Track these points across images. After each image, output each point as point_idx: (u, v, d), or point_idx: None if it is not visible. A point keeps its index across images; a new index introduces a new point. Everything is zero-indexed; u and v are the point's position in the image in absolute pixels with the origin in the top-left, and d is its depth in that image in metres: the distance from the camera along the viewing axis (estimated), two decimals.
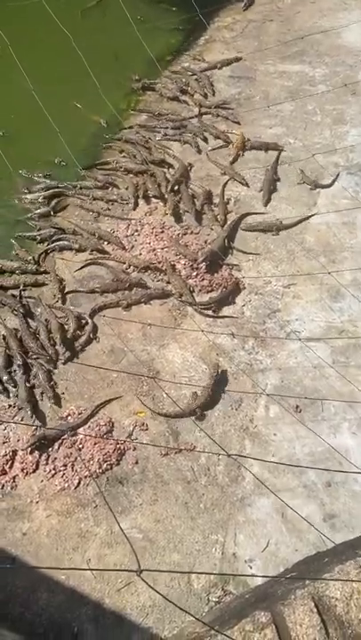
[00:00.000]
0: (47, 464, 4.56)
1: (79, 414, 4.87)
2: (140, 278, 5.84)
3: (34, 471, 4.53)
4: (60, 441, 4.68)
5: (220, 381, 5.09)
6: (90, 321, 5.47)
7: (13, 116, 7.59)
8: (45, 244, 6.23)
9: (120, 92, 8.40)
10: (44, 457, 4.59)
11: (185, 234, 6.34)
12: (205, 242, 6.25)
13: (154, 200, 6.68)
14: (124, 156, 7.21)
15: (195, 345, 5.42)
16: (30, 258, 5.97)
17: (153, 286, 5.84)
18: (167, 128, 7.50)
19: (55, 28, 8.41)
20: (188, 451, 4.68)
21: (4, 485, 4.45)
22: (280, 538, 4.26)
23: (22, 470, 4.52)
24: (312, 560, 3.71)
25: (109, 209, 6.63)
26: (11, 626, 3.70)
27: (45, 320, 5.46)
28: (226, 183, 6.88)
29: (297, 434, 4.81)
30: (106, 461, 4.56)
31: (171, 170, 6.97)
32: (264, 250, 6.22)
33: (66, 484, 4.45)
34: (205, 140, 7.41)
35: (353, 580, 2.82)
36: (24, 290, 5.75)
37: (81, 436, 4.69)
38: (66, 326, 5.44)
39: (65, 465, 4.55)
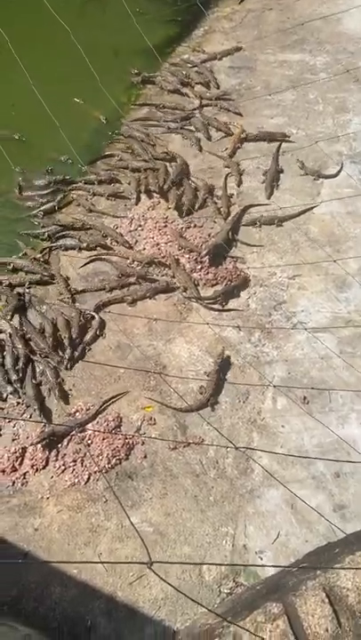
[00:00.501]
0: (57, 460, 4.59)
1: (87, 410, 4.89)
2: (145, 272, 5.82)
3: (44, 467, 4.57)
4: (68, 437, 4.69)
5: (224, 366, 5.09)
6: (96, 317, 5.46)
7: (14, 113, 7.55)
8: (50, 241, 6.22)
9: (120, 85, 8.34)
10: (53, 453, 4.62)
11: (188, 227, 6.32)
12: (209, 235, 6.23)
13: (156, 195, 6.65)
14: (124, 151, 7.16)
15: (201, 339, 5.41)
16: (39, 256, 5.93)
17: (158, 280, 5.83)
18: (169, 121, 7.43)
19: (53, 23, 8.38)
20: (196, 444, 4.69)
21: (14, 482, 4.49)
22: (290, 529, 4.27)
23: (32, 467, 4.55)
24: (323, 551, 3.72)
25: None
26: (25, 620, 3.74)
27: (52, 318, 5.47)
28: (227, 176, 6.83)
29: (305, 425, 4.81)
30: (115, 456, 4.58)
31: (172, 164, 6.92)
32: (268, 241, 6.20)
33: (76, 480, 4.48)
34: (208, 133, 7.32)
35: None
36: (29, 288, 5.74)
37: (90, 432, 4.71)
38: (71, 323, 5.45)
39: (74, 461, 4.57)
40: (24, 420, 4.78)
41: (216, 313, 5.60)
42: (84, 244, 6.08)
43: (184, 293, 5.75)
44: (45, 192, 6.69)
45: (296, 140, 7.23)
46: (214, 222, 6.40)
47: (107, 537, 4.22)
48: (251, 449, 4.48)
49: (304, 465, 4.56)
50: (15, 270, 5.87)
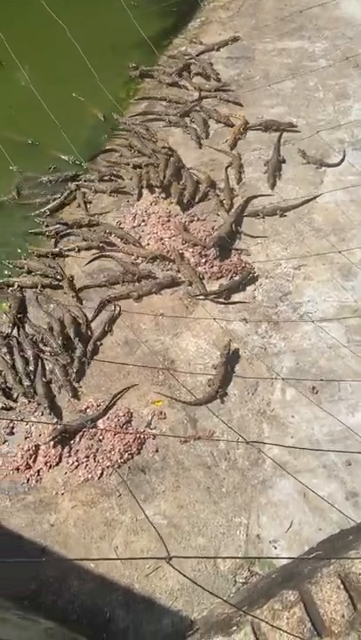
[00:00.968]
0: (70, 456, 4.66)
1: (97, 406, 4.95)
2: (148, 271, 5.84)
3: (57, 464, 4.64)
4: (80, 433, 4.76)
5: (231, 358, 5.13)
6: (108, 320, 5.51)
7: (14, 112, 7.56)
8: (55, 239, 6.27)
9: (118, 80, 8.33)
10: (66, 450, 4.69)
11: (191, 221, 6.33)
12: (212, 228, 6.24)
13: (158, 189, 6.65)
14: (124, 146, 7.16)
15: (208, 332, 5.45)
16: (52, 262, 5.98)
17: (162, 275, 5.86)
18: (170, 115, 7.42)
19: (48, 20, 8.39)
20: (206, 438, 4.74)
21: (29, 479, 4.57)
22: (303, 518, 4.32)
23: (46, 464, 4.62)
24: (336, 538, 3.77)
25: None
26: (45, 614, 3.82)
27: (59, 317, 5.52)
28: (227, 168, 6.82)
29: (315, 415, 4.85)
30: (127, 451, 4.65)
31: (172, 158, 6.90)
32: (272, 232, 6.20)
33: (89, 475, 4.55)
34: (207, 131, 7.27)
35: None
36: (41, 291, 5.77)
37: (101, 428, 4.77)
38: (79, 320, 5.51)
39: (87, 456, 4.64)
40: (36, 422, 4.84)
41: (222, 306, 5.62)
42: (89, 243, 6.09)
43: (190, 288, 5.78)
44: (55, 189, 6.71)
45: (297, 128, 7.21)
46: (217, 215, 6.41)
47: (122, 530, 4.29)
48: (260, 443, 4.51)
49: (315, 454, 4.60)
50: (29, 272, 5.90)
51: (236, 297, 5.68)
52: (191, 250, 6.02)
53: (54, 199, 6.63)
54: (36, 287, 5.77)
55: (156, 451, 4.70)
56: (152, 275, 5.83)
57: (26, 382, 5.03)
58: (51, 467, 4.62)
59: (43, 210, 6.52)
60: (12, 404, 5.01)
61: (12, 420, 4.81)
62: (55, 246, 6.27)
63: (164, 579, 4.08)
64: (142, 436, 4.74)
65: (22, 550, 4.22)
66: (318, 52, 8.31)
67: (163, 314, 5.61)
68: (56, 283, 5.79)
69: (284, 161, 6.87)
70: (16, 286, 5.73)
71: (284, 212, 6.32)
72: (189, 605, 3.96)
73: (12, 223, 6.51)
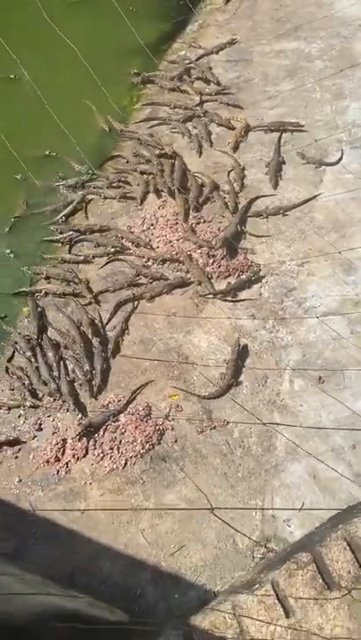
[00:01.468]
0: (95, 448, 5.09)
1: (118, 402, 5.38)
2: (160, 274, 6.25)
3: (84, 456, 5.07)
4: (104, 427, 5.19)
5: (242, 353, 5.54)
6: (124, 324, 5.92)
7: (23, 124, 7.96)
8: (69, 246, 6.69)
9: (120, 87, 8.70)
10: (91, 442, 5.12)
11: (198, 223, 6.73)
12: (218, 229, 6.64)
13: (164, 194, 7.04)
14: (132, 154, 7.54)
15: (218, 329, 5.86)
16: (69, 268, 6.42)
17: (173, 276, 6.27)
18: (173, 121, 7.81)
19: (46, 30, 8.77)
20: (221, 426, 5.16)
21: (58, 471, 5.00)
22: (314, 498, 4.74)
23: (73, 456, 5.06)
24: (344, 513, 4.18)
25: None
26: (81, 592, 4.25)
27: (77, 320, 5.95)
28: (230, 172, 7.21)
29: (322, 403, 5.26)
30: (148, 442, 5.08)
31: (176, 163, 7.28)
32: (276, 231, 6.60)
33: (114, 465, 4.98)
34: (210, 139, 7.60)
35: None
36: (61, 295, 6.19)
37: (123, 421, 5.20)
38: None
39: (111, 448, 5.08)
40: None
41: (231, 303, 6.03)
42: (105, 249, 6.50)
43: (199, 288, 6.19)
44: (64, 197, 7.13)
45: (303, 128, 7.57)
46: (222, 217, 6.80)
47: (147, 515, 4.72)
48: (275, 424, 4.92)
49: (323, 439, 5.02)
50: (47, 278, 6.31)
51: (243, 294, 6.09)
52: (199, 251, 6.43)
53: (65, 206, 7.04)
54: (62, 294, 6.17)
55: (175, 441, 5.13)
56: (163, 276, 6.24)
57: (52, 385, 5.45)
58: (78, 459, 5.06)
59: (58, 217, 6.93)
60: (38, 402, 5.45)
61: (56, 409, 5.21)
62: (69, 252, 6.70)
63: (188, 556, 4.51)
64: (162, 428, 5.17)
65: (57, 536, 4.66)
66: (315, 53, 8.66)
67: (175, 313, 6.03)
68: (74, 288, 6.20)
69: (284, 162, 7.26)
70: (43, 293, 6.15)
71: (285, 211, 6.72)
72: (212, 579, 4.39)
73: (26, 232, 6.93)
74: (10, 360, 5.80)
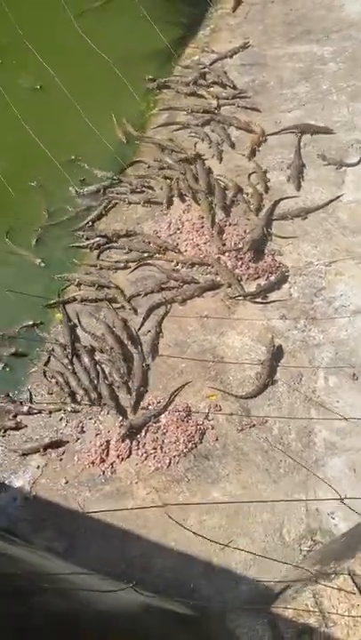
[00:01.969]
0: (138, 449, 5.30)
1: (158, 403, 5.60)
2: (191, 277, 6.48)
3: (128, 456, 5.29)
4: (145, 428, 5.41)
5: (277, 354, 5.78)
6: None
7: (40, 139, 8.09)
8: (98, 252, 6.92)
9: (137, 93, 8.94)
10: (134, 443, 5.33)
11: (224, 226, 6.96)
12: (245, 232, 6.88)
13: (187, 198, 7.27)
14: (155, 159, 7.78)
15: (251, 329, 6.09)
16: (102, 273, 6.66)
17: (203, 279, 6.50)
18: (192, 125, 8.06)
19: (58, 37, 9.04)
20: (260, 424, 5.39)
21: (104, 471, 5.22)
22: (356, 492, 4.95)
23: (118, 457, 5.27)
24: None
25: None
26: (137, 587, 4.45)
27: (112, 322, 6.18)
28: (250, 175, 7.46)
29: (357, 399, 5.49)
30: (190, 441, 5.30)
31: (198, 166, 7.52)
32: (301, 232, 6.84)
33: (158, 465, 5.20)
34: (231, 140, 7.84)
35: None
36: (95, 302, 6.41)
37: (164, 422, 5.42)
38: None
39: (154, 448, 5.29)
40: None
41: (262, 304, 6.26)
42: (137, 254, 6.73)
43: (229, 290, 6.42)
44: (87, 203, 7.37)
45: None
46: (248, 220, 7.05)
47: (195, 511, 4.93)
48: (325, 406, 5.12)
49: (360, 433, 5.24)
50: (79, 285, 6.54)
51: (273, 295, 6.32)
52: (227, 254, 6.66)
53: (89, 212, 7.27)
54: (94, 300, 6.39)
55: (217, 439, 5.35)
56: (194, 279, 6.47)
57: (92, 394, 5.66)
58: (123, 459, 5.27)
59: (83, 223, 7.15)
60: (78, 407, 5.65)
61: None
62: (97, 258, 6.92)
63: (238, 551, 4.72)
64: (202, 427, 5.39)
65: (107, 535, 4.86)
66: (328, 56, 8.94)
67: (207, 315, 6.26)
68: (106, 293, 6.43)
69: (304, 164, 7.50)
70: (79, 299, 6.37)
71: (307, 213, 6.96)
72: (263, 573, 4.61)
73: (53, 239, 7.15)
74: (46, 364, 6.01)
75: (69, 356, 5.94)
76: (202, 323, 6.22)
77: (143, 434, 5.40)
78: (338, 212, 6.94)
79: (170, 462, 5.22)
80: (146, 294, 6.47)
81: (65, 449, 5.43)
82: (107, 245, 6.95)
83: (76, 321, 6.33)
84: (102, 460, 5.27)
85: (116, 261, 6.74)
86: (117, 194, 7.51)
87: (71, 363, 5.94)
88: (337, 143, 7.67)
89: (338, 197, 7.05)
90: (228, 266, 6.56)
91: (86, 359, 5.91)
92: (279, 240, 6.79)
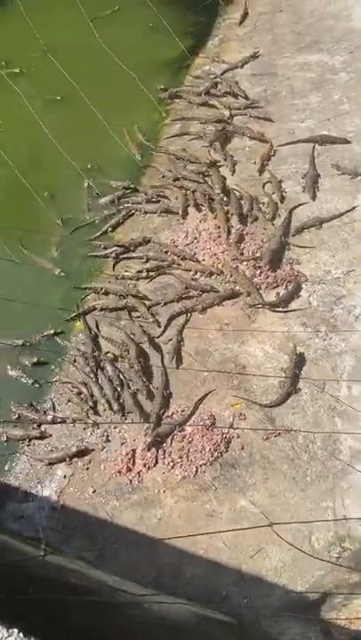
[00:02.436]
0: (165, 457, 5.41)
1: (182, 412, 5.71)
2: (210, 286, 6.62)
3: (154, 465, 5.40)
4: (171, 436, 5.52)
5: (299, 362, 5.91)
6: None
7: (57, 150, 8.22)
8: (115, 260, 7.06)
9: (149, 103, 9.10)
10: (160, 452, 5.44)
11: (241, 235, 7.11)
12: (262, 241, 7.04)
13: (203, 208, 7.43)
14: (170, 169, 7.94)
15: (272, 338, 6.24)
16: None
17: (223, 288, 6.64)
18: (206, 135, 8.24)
19: (70, 47, 9.21)
20: (286, 432, 5.52)
21: (131, 480, 5.32)
22: None
23: (144, 465, 5.38)
24: None
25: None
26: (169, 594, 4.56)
27: (132, 332, 6.31)
28: (265, 184, 7.63)
29: None
30: (216, 450, 5.42)
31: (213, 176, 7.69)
32: (318, 241, 7.01)
33: (185, 473, 5.31)
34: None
35: None
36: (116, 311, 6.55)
37: (189, 431, 5.53)
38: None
39: (180, 457, 5.40)
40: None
41: (282, 313, 6.40)
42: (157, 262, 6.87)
43: (248, 299, 6.56)
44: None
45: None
46: (264, 229, 7.21)
47: (223, 520, 5.04)
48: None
49: None
50: (106, 294, 6.66)
51: (293, 304, 6.47)
52: (246, 263, 6.81)
53: (106, 222, 7.42)
54: (115, 308, 6.52)
55: (242, 448, 5.47)
56: (213, 288, 6.61)
57: (115, 406, 5.77)
58: (149, 468, 5.38)
59: (100, 233, 7.30)
60: (100, 419, 5.75)
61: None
62: (113, 268, 7.06)
63: (268, 558, 4.84)
64: (228, 436, 5.51)
65: (137, 543, 4.96)
66: (338, 66, 9.16)
67: (227, 324, 6.40)
68: (126, 302, 6.56)
69: (319, 175, 7.68)
70: (99, 309, 6.50)
71: (322, 223, 7.12)
72: (293, 580, 4.72)
73: (71, 249, 7.28)
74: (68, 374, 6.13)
75: (91, 366, 6.05)
76: (223, 331, 6.35)
77: (169, 442, 5.51)
78: (354, 220, 7.11)
79: (197, 471, 5.33)
80: (166, 303, 6.60)
81: (91, 458, 5.53)
82: (124, 255, 7.08)
83: (96, 330, 6.45)
84: (129, 469, 5.37)
85: (138, 271, 6.85)
86: (133, 203, 7.65)
87: (94, 374, 6.03)
88: (350, 153, 7.87)
89: (353, 209, 7.21)
90: (247, 275, 6.71)
91: (108, 367, 6.03)
92: (297, 249, 6.95)
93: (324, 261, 6.81)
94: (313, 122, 8.38)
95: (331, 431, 5.44)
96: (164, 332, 6.41)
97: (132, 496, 5.26)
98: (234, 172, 7.88)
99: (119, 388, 5.90)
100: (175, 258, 6.96)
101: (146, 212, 7.59)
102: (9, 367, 6.14)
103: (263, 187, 7.66)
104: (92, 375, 6.02)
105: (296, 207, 7.36)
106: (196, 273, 6.85)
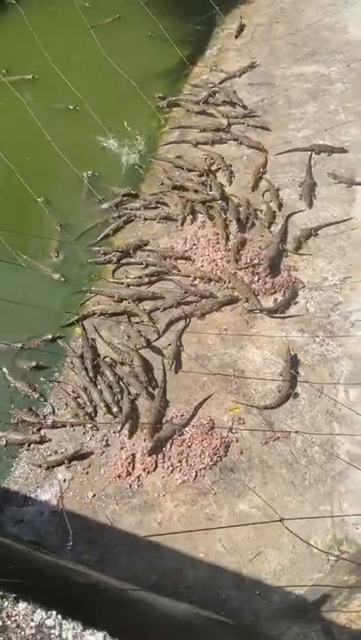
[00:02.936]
0: (164, 462, 5.45)
1: (181, 416, 5.76)
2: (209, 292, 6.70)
3: (154, 469, 5.43)
4: (170, 441, 5.56)
5: (294, 362, 6.00)
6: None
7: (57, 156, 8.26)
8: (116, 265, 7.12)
9: (147, 111, 9.20)
10: (160, 456, 5.48)
11: (240, 242, 7.20)
12: (260, 247, 7.13)
13: (201, 215, 7.51)
14: (168, 177, 8.03)
15: (270, 343, 6.31)
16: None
17: (221, 294, 6.72)
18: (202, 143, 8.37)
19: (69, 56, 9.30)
20: (284, 436, 5.58)
21: (131, 485, 5.36)
22: None
23: (144, 470, 5.42)
24: None
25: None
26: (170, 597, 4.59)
27: (131, 336, 6.37)
28: (265, 192, 7.74)
29: None
30: (215, 454, 5.47)
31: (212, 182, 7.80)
32: (315, 249, 7.11)
33: (185, 477, 5.35)
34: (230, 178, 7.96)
35: None
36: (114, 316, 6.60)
37: (188, 435, 5.58)
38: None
39: (180, 461, 5.45)
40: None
41: (280, 319, 6.49)
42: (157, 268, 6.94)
43: (246, 304, 6.64)
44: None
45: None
46: (261, 236, 7.30)
47: (222, 523, 5.08)
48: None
49: None
50: (121, 300, 6.70)
51: (291, 310, 6.56)
52: (243, 270, 6.90)
53: (105, 228, 7.49)
54: (114, 314, 6.58)
55: (241, 452, 5.52)
56: (212, 294, 6.69)
57: (114, 409, 5.82)
58: (149, 472, 5.42)
59: (100, 237, 7.36)
60: (97, 423, 5.78)
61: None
62: (113, 274, 7.11)
63: (267, 562, 4.88)
64: (227, 440, 5.56)
65: (138, 547, 4.99)
66: (334, 76, 9.32)
67: (226, 329, 6.47)
68: (125, 307, 6.61)
69: (315, 183, 7.81)
70: (99, 314, 6.55)
71: (316, 231, 7.23)
72: (293, 582, 4.77)
73: (71, 254, 7.33)
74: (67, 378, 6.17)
75: (88, 371, 6.09)
76: (221, 336, 6.42)
77: (168, 447, 5.55)
78: (351, 228, 7.22)
79: (196, 475, 5.37)
80: (165, 309, 6.66)
81: (90, 462, 5.55)
82: (124, 260, 7.14)
83: (95, 335, 6.49)
84: (129, 473, 5.41)
85: (138, 277, 6.92)
86: (132, 210, 7.73)
87: (93, 379, 6.07)
88: (346, 162, 8.00)
89: (348, 219, 7.33)
90: (245, 281, 6.79)
91: (108, 373, 6.07)
92: (294, 256, 7.05)
93: (321, 268, 6.91)
94: (309, 131, 8.51)
95: (329, 433, 5.50)
96: (160, 336, 6.46)
97: (131, 500, 5.30)
98: (231, 182, 7.97)
99: (118, 394, 5.93)
100: (173, 262, 7.03)
101: (145, 219, 7.68)
102: (6, 371, 6.17)
103: (263, 195, 7.76)
104: (87, 379, 6.04)
105: (293, 214, 7.47)
106: (195, 279, 6.92)
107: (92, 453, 5.59)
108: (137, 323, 6.59)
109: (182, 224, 7.48)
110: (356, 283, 6.70)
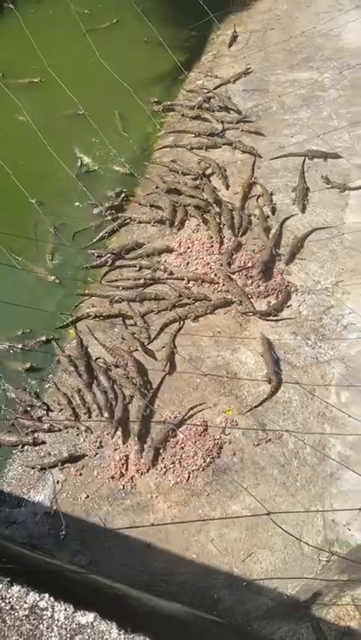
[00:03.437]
0: (158, 463, 5.48)
1: (174, 418, 5.80)
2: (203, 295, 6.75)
3: (147, 471, 5.46)
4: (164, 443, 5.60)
5: (277, 360, 6.11)
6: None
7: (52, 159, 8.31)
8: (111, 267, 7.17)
9: (142, 115, 9.27)
10: None
11: (234, 246, 7.26)
12: (253, 251, 7.20)
13: (195, 219, 7.58)
14: (163, 180, 8.09)
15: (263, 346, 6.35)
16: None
17: (215, 297, 6.77)
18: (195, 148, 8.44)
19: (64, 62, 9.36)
20: (276, 438, 5.63)
21: (124, 486, 5.38)
22: None
23: (137, 471, 5.44)
24: None
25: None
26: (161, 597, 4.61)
27: (125, 338, 6.41)
28: (258, 198, 7.81)
29: None
30: (208, 455, 5.50)
31: (205, 187, 7.86)
32: (308, 253, 7.18)
33: (178, 479, 5.38)
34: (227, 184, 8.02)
35: None
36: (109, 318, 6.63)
37: (182, 437, 5.62)
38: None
39: (173, 462, 5.48)
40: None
41: (273, 322, 6.54)
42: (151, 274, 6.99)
43: (240, 307, 6.70)
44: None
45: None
46: (255, 239, 7.37)
47: (215, 524, 5.12)
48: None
49: None
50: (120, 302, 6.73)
51: (283, 313, 6.62)
52: (237, 273, 6.96)
53: (100, 230, 7.55)
54: (108, 316, 6.61)
55: (234, 454, 5.56)
56: (206, 297, 6.74)
57: (105, 413, 5.84)
58: (142, 473, 5.44)
59: (95, 240, 7.42)
60: (89, 424, 5.81)
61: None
62: (104, 276, 7.15)
63: (258, 562, 4.91)
64: (220, 442, 5.60)
65: (130, 548, 5.01)
66: (328, 83, 9.44)
67: (219, 332, 6.52)
68: (119, 309, 6.66)
69: (308, 188, 7.89)
70: (93, 315, 6.59)
71: (302, 240, 7.29)
72: (283, 583, 4.80)
73: (66, 256, 7.37)
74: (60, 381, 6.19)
75: (82, 375, 6.12)
76: (215, 339, 6.47)
77: (162, 448, 5.58)
78: (342, 233, 7.30)
79: (189, 476, 5.41)
80: (159, 311, 6.70)
81: (84, 463, 5.58)
82: (119, 263, 7.19)
83: (89, 337, 6.53)
84: (122, 475, 5.43)
85: (135, 279, 6.96)
86: (127, 213, 7.78)
87: (81, 379, 6.10)
88: (338, 167, 8.09)
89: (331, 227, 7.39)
90: (239, 284, 6.85)
91: (101, 377, 6.10)
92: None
93: (314, 272, 6.97)
94: (303, 136, 8.60)
95: (320, 437, 5.55)
96: (154, 338, 6.49)
97: (124, 501, 5.32)
98: (228, 186, 8.04)
99: (111, 395, 5.97)
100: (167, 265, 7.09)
101: (140, 222, 7.73)
102: (0, 374, 6.21)
103: (257, 200, 7.83)
104: (80, 380, 6.08)
105: (287, 219, 7.54)
106: (188, 282, 6.98)
107: (86, 455, 5.62)
108: (131, 325, 6.64)
109: (171, 226, 7.53)
110: (347, 286, 6.77)
